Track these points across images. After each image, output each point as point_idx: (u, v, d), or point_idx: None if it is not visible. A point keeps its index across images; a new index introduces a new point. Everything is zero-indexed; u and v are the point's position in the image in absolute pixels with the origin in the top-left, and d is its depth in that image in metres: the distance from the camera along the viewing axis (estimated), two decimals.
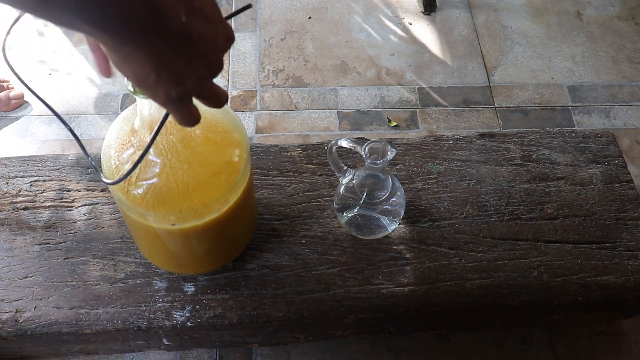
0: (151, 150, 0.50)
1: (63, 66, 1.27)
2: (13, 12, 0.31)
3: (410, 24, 1.39)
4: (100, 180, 0.47)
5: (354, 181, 0.66)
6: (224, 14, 0.36)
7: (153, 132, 0.41)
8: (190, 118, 0.39)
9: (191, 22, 0.31)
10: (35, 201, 0.71)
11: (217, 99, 0.38)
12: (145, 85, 0.34)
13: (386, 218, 0.68)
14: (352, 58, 1.31)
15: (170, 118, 0.48)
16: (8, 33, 0.42)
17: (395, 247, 0.69)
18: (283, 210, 0.72)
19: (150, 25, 0.29)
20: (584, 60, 1.33)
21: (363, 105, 1.23)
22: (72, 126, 1.17)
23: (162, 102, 0.36)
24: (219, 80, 1.24)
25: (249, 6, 0.41)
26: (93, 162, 0.48)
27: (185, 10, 0.30)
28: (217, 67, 0.36)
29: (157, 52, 0.31)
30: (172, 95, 0.35)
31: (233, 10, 1.38)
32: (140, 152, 0.50)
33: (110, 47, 0.32)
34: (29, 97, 1.21)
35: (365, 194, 0.65)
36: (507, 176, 0.76)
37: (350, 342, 0.88)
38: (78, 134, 1.16)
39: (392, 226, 0.69)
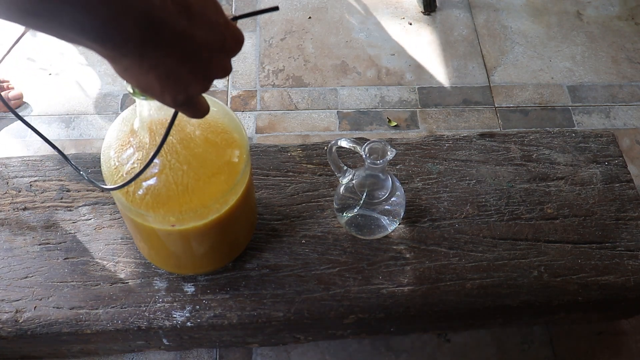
0: (151, 151, 0.50)
1: (63, 66, 1.27)
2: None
3: (410, 24, 1.39)
4: (100, 188, 0.47)
5: (354, 181, 0.66)
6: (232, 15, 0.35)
7: (162, 138, 0.41)
8: (200, 111, 0.38)
9: (193, 30, 0.30)
10: (35, 201, 0.72)
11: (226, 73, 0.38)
12: (151, 93, 0.34)
13: (386, 218, 0.68)
14: (352, 58, 1.31)
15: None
16: (8, 52, 0.42)
17: (395, 247, 0.69)
18: (283, 210, 0.72)
19: (149, 37, 0.29)
20: (584, 60, 1.33)
21: (363, 105, 1.23)
22: (72, 126, 1.17)
23: (170, 106, 0.36)
24: (219, 80, 1.25)
25: (275, 8, 0.39)
26: (86, 176, 0.48)
27: (186, 18, 0.30)
28: (225, 71, 0.35)
29: (158, 63, 0.31)
30: (179, 100, 0.34)
31: (233, 11, 1.38)
32: (139, 153, 0.50)
33: (110, 59, 0.31)
34: (28, 97, 1.21)
35: (365, 194, 0.65)
36: (507, 176, 0.76)
37: (350, 342, 0.88)
38: (78, 134, 1.16)
39: (392, 226, 0.69)
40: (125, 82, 0.37)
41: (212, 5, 0.32)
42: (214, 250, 0.62)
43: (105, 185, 0.50)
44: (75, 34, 0.27)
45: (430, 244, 0.69)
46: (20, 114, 1.22)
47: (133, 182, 0.50)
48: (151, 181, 0.50)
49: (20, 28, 0.40)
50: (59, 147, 0.48)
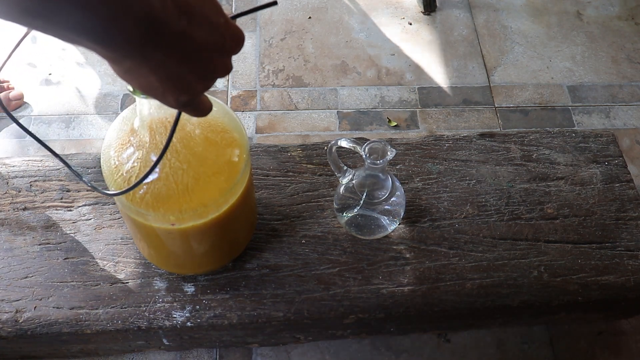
0: (152, 152, 0.50)
1: (63, 66, 1.27)
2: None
3: (410, 24, 1.39)
4: (104, 194, 0.47)
5: (354, 181, 0.66)
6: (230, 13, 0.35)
7: (166, 141, 0.41)
8: (203, 110, 0.38)
9: (193, 30, 0.31)
10: (35, 201, 0.71)
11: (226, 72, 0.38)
12: (154, 95, 0.34)
13: (386, 218, 0.68)
14: (352, 58, 1.31)
15: (171, 118, 0.48)
16: (12, 52, 0.42)
17: (395, 247, 0.69)
18: (283, 210, 0.72)
19: (149, 38, 0.29)
20: (584, 60, 1.33)
21: (363, 105, 1.23)
22: (72, 126, 1.17)
23: (172, 107, 0.36)
24: (219, 80, 1.24)
25: (274, 2, 0.39)
26: (88, 183, 0.48)
27: (186, 18, 0.30)
28: (226, 70, 0.36)
29: (160, 64, 0.31)
30: (182, 101, 0.34)
31: (233, 11, 1.38)
32: (139, 152, 0.50)
33: (111, 61, 0.31)
34: (29, 97, 1.21)
35: (365, 194, 0.65)
36: (507, 176, 0.76)
37: (350, 342, 0.88)
38: (78, 134, 1.16)
39: (392, 226, 0.69)
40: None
41: (212, 5, 0.32)
42: (213, 250, 0.62)
43: (108, 190, 0.50)
44: (76, 34, 0.27)
45: (430, 244, 0.69)
46: (20, 114, 1.22)
47: (133, 183, 0.50)
48: (151, 180, 0.50)
49: (21, 30, 0.40)
50: (60, 148, 0.48)
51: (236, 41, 0.35)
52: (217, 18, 0.32)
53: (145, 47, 0.29)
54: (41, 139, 1.21)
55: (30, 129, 1.15)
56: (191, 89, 0.34)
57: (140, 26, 0.28)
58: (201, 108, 0.38)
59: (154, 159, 0.50)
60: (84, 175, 0.74)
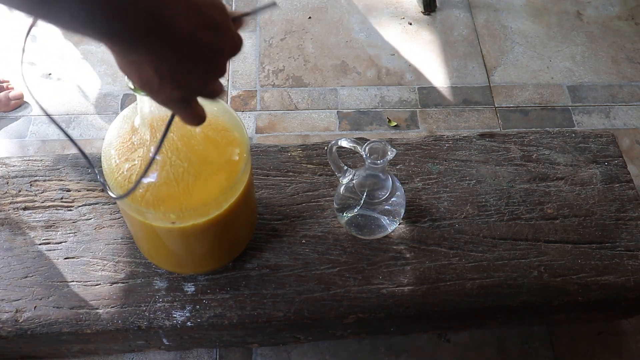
0: (152, 148, 0.50)
1: (63, 66, 1.27)
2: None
3: (410, 24, 1.39)
4: (113, 198, 0.47)
5: (354, 181, 0.66)
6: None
7: (160, 136, 0.41)
8: (195, 117, 0.39)
9: (199, 32, 0.31)
10: (35, 201, 0.71)
11: (216, 94, 0.38)
12: (149, 88, 0.34)
13: (386, 218, 0.68)
14: (352, 58, 1.31)
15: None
16: (26, 39, 0.42)
17: (395, 247, 0.69)
18: (283, 210, 0.72)
19: (157, 35, 0.30)
20: (584, 60, 1.33)
21: (363, 105, 1.23)
22: (72, 126, 1.17)
23: (164, 104, 0.36)
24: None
25: (273, 3, 0.40)
26: (102, 180, 0.48)
27: (195, 19, 0.31)
28: (221, 72, 0.36)
29: (163, 60, 0.32)
30: (174, 97, 0.35)
31: (233, 9, 1.38)
32: (140, 150, 0.50)
33: (116, 53, 0.32)
34: (28, 97, 1.21)
35: (365, 194, 0.65)
36: (507, 176, 0.76)
37: (350, 342, 0.88)
38: (78, 134, 1.16)
39: (392, 226, 0.69)
40: (126, 78, 0.37)
41: (220, 8, 0.33)
42: (214, 249, 0.62)
43: (113, 193, 0.50)
44: (85, 26, 0.28)
45: (430, 244, 0.69)
46: (20, 114, 1.21)
47: (134, 181, 0.50)
48: (151, 178, 0.50)
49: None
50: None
51: (234, 46, 0.36)
52: (222, 21, 0.33)
53: (152, 42, 0.30)
54: (40, 139, 1.20)
55: (30, 129, 1.15)
56: (186, 86, 0.35)
57: (147, 21, 0.28)
58: (192, 112, 0.38)
59: (156, 157, 0.50)
60: (84, 172, 0.74)
